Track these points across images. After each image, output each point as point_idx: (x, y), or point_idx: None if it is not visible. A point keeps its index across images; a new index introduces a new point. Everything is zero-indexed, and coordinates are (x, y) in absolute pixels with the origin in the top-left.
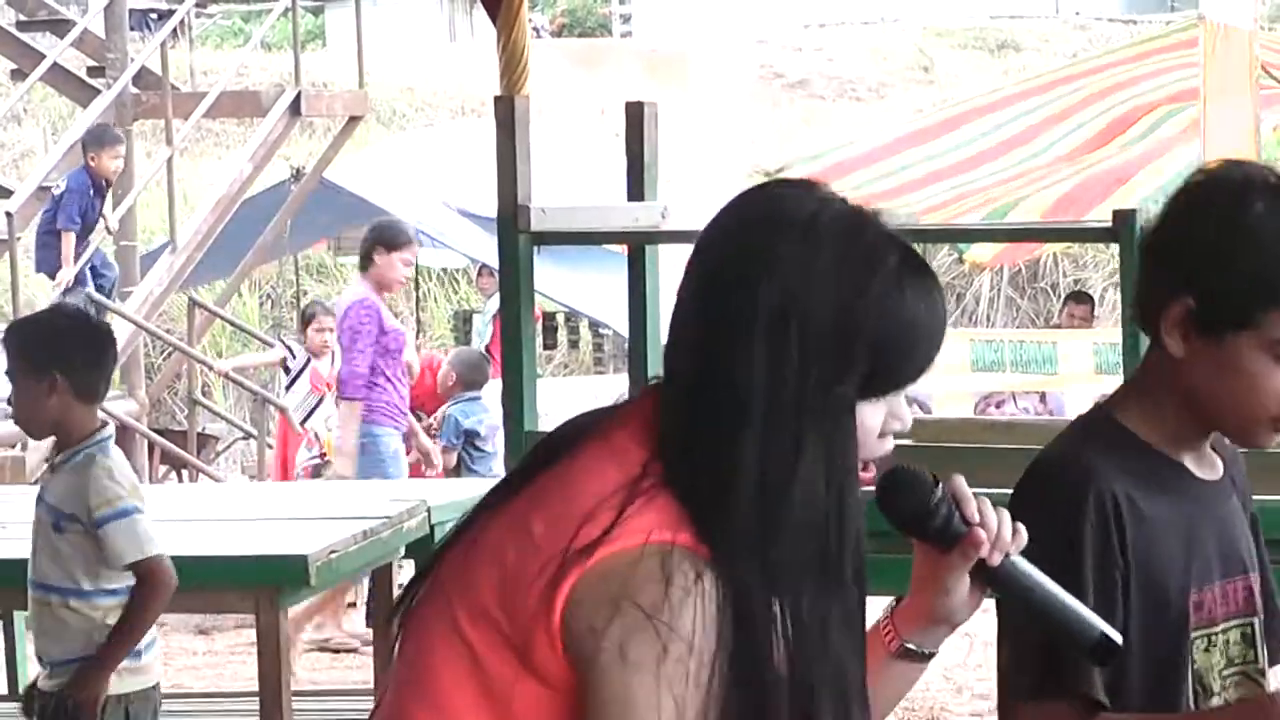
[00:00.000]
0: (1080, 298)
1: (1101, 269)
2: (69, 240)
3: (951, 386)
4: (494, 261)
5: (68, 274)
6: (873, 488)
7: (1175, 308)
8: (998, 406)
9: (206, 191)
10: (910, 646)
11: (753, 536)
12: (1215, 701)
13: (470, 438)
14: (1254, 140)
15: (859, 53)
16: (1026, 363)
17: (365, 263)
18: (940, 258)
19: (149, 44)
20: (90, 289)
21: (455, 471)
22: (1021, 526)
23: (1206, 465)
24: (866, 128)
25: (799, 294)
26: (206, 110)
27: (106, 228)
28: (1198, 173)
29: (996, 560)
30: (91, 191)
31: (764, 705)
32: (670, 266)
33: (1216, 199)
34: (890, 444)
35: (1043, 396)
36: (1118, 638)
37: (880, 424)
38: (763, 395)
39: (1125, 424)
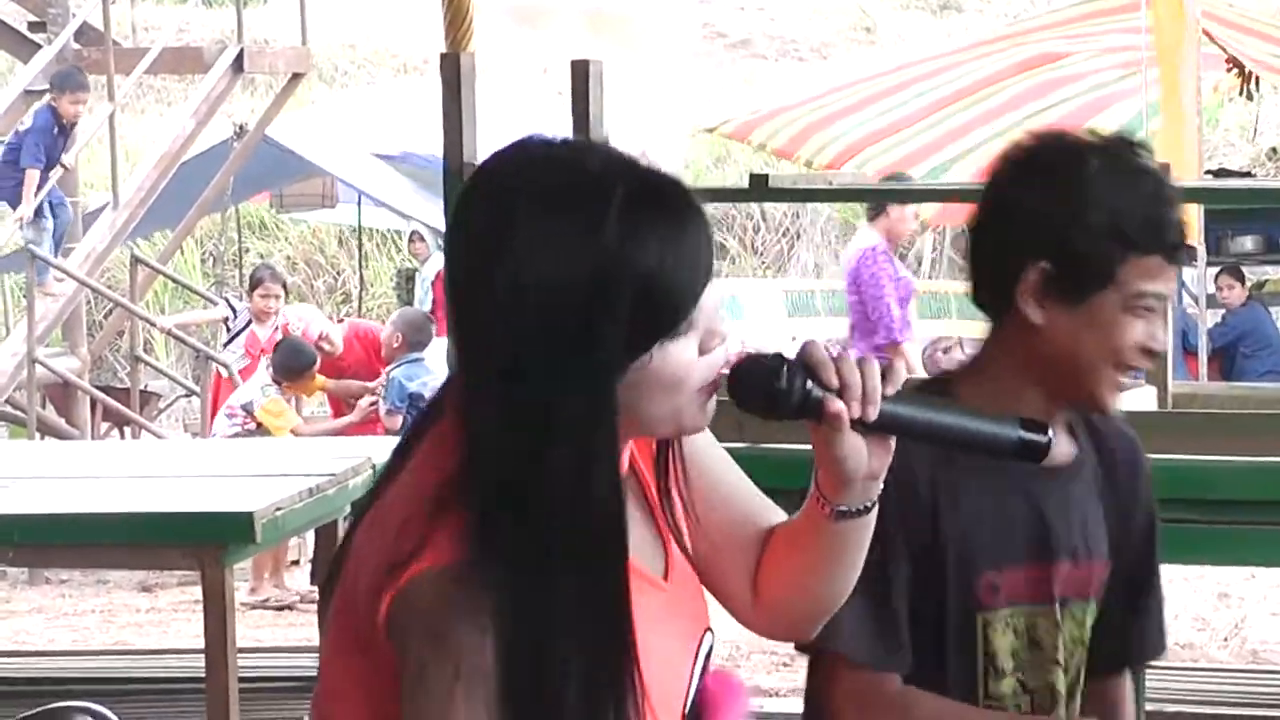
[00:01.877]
0: None
1: None
2: (32, 178)
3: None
4: (434, 221)
5: (27, 210)
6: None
7: (1031, 275)
8: (945, 352)
9: (149, 148)
10: (844, 509)
11: (515, 542)
12: (1006, 683)
13: (415, 401)
14: (1195, 99)
15: (801, 13)
16: (972, 311)
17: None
18: None
19: None
20: (49, 222)
21: (399, 434)
22: (899, 368)
23: (1095, 401)
24: (809, 88)
25: (526, 273)
26: (148, 66)
27: (63, 165)
28: (1017, 145)
29: (872, 415)
30: (55, 131)
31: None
32: None
33: (1056, 163)
34: (721, 355)
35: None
36: (1042, 436)
37: (697, 347)
38: (505, 389)
39: (959, 395)
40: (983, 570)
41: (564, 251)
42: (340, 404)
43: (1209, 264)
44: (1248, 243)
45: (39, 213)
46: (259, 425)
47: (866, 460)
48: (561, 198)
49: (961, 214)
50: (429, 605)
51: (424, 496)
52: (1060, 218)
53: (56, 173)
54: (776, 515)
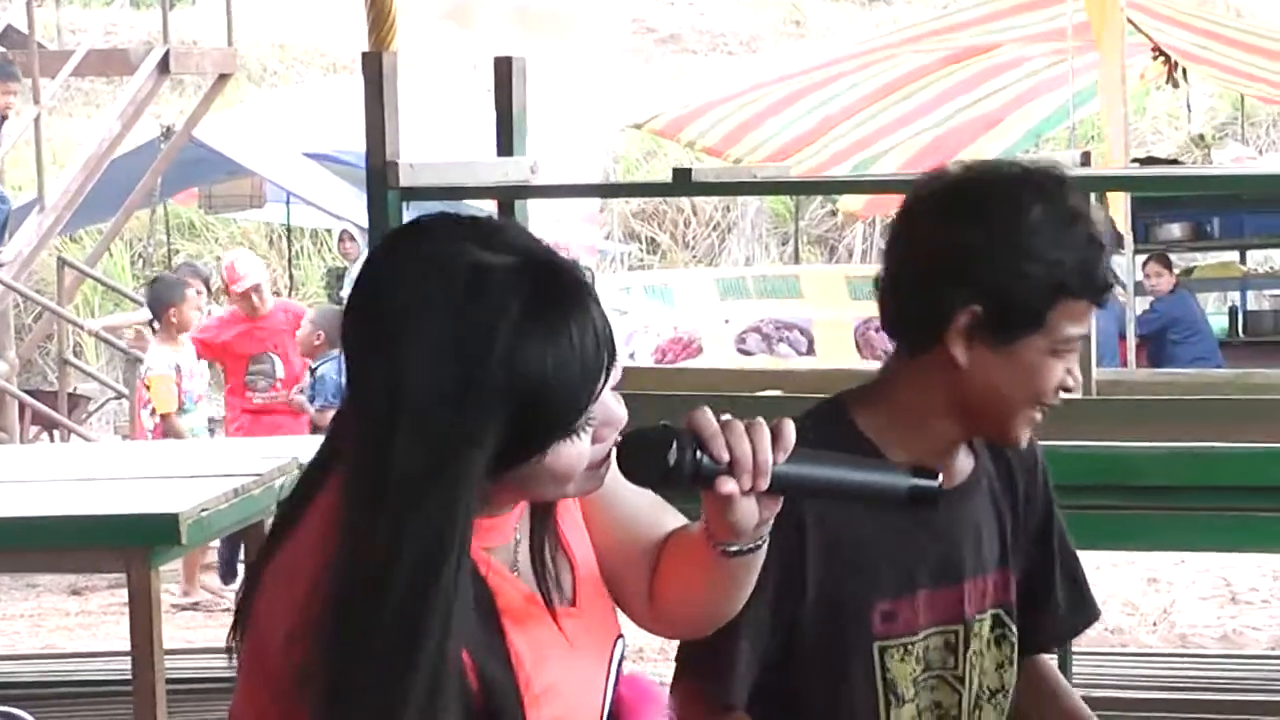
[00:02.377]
0: None
1: None
2: None
3: (832, 316)
4: (364, 220)
5: None
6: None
7: (961, 317)
8: (876, 330)
9: (75, 150)
10: (734, 549)
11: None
12: (907, 710)
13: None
14: (1121, 87)
15: (730, 6)
16: None
17: None
18: (814, 210)
19: (15, 1)
20: None
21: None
22: (787, 426)
23: (944, 470)
24: (739, 82)
25: (410, 376)
26: (74, 68)
27: None
28: (941, 178)
29: (763, 486)
30: None
31: None
32: (540, 221)
33: (992, 206)
34: (611, 442)
35: None
36: (933, 482)
37: (589, 441)
38: (370, 482)
39: (854, 419)
40: (877, 600)
41: (453, 363)
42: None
43: (1137, 251)
44: (1175, 230)
45: None
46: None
47: (757, 514)
48: (454, 309)
49: (889, 205)
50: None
51: (325, 559)
52: (999, 264)
53: None
54: (673, 520)
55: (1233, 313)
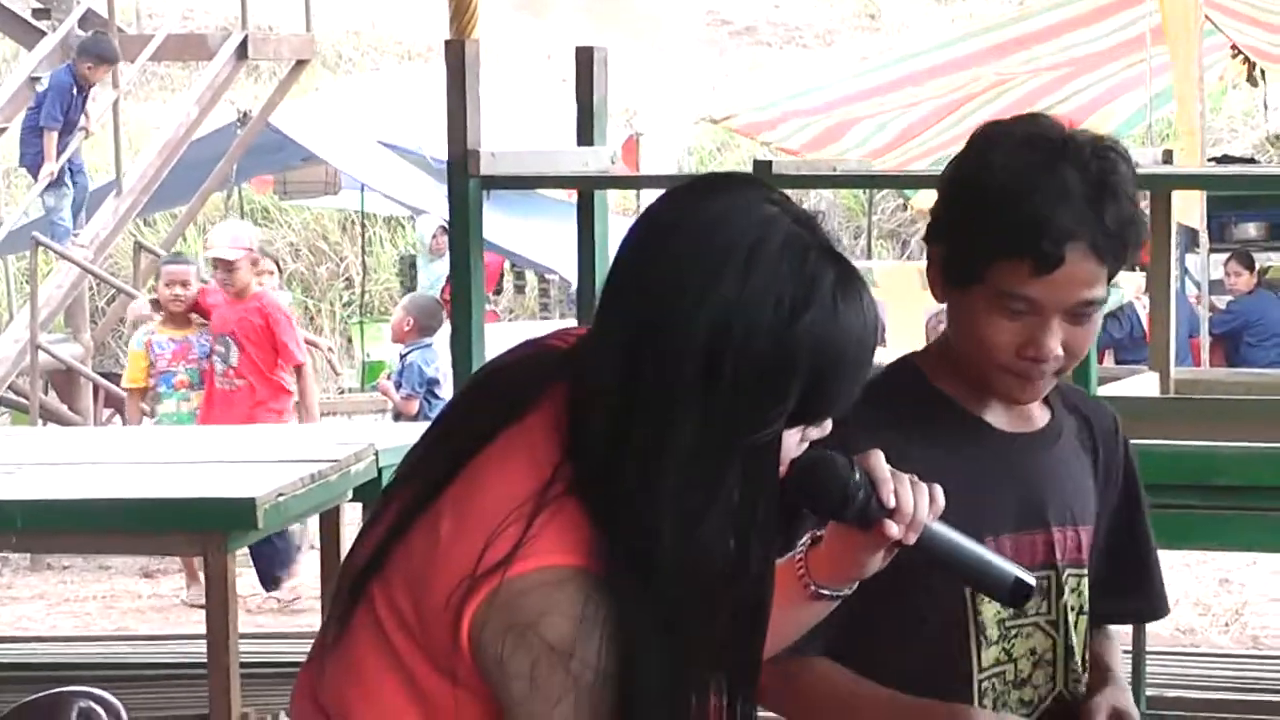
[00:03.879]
0: None
1: None
2: (51, 138)
3: (905, 310)
4: (436, 208)
5: (51, 167)
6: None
7: (933, 255)
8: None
9: (152, 135)
10: (824, 592)
11: (655, 570)
12: (991, 651)
13: (431, 386)
14: (1199, 86)
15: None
16: None
17: None
18: (886, 204)
19: None
20: (70, 189)
21: (414, 419)
22: (939, 494)
23: (1016, 416)
24: (815, 78)
25: (736, 328)
26: (153, 53)
27: (86, 129)
28: (982, 129)
29: (911, 540)
30: (74, 90)
31: None
32: (618, 216)
33: (968, 151)
34: (805, 447)
35: None
36: (1031, 580)
37: (799, 435)
38: (689, 430)
39: (923, 370)
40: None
41: (781, 308)
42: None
43: (1213, 250)
44: (1251, 229)
45: (59, 178)
46: None
47: (880, 564)
48: (788, 258)
49: None
50: (538, 607)
51: (516, 501)
52: (952, 209)
53: (78, 137)
54: None
55: None
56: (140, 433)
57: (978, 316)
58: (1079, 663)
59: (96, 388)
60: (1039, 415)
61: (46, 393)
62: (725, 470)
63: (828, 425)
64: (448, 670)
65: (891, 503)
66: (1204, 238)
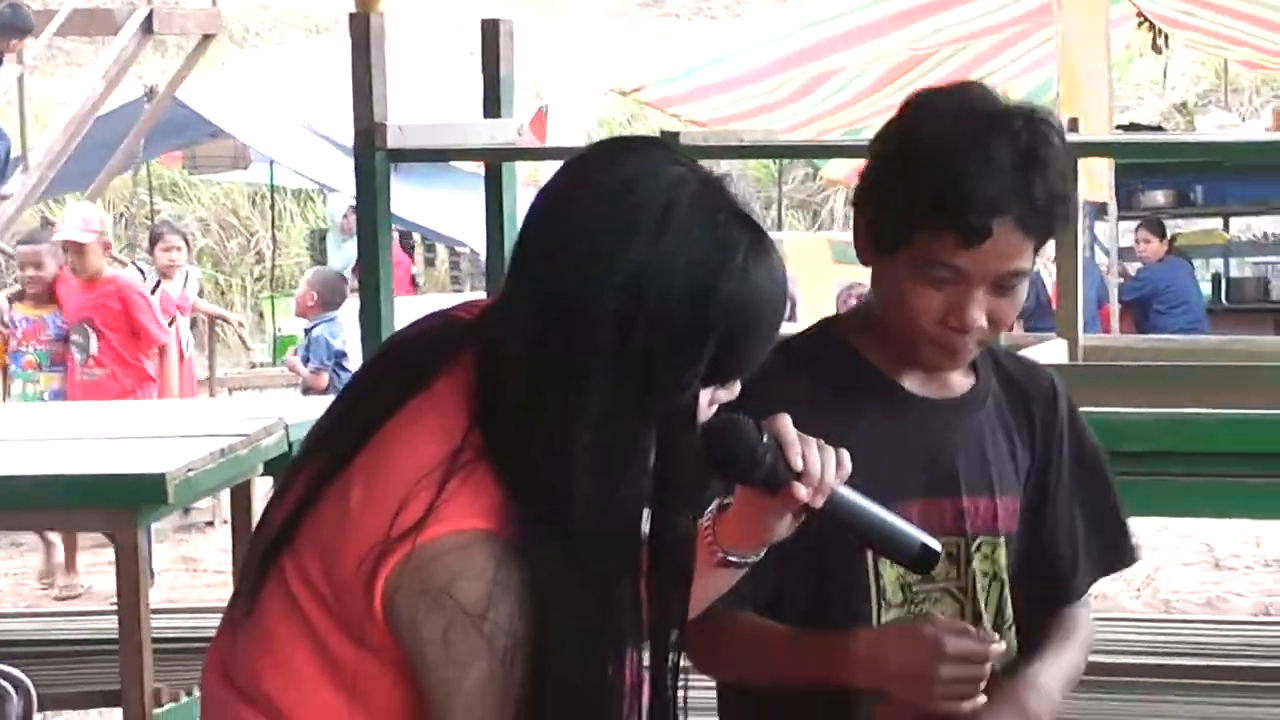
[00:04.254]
0: None
1: None
2: None
3: (816, 281)
4: (345, 182)
5: None
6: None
7: (860, 219)
8: (859, 297)
9: (58, 110)
10: (732, 559)
11: (570, 532)
12: (893, 614)
13: (339, 359)
14: (1106, 58)
15: None
16: None
17: None
18: (796, 175)
19: None
20: None
21: (323, 393)
22: (846, 459)
23: (936, 382)
24: (723, 47)
25: (649, 292)
26: (58, 28)
27: None
28: (916, 94)
29: (819, 504)
30: None
31: (565, 691)
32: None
33: (899, 118)
34: (713, 410)
35: None
36: (937, 546)
37: (709, 397)
38: (602, 392)
39: (842, 334)
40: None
41: (696, 271)
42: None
43: (1121, 218)
44: (1159, 196)
45: None
46: None
47: (788, 529)
48: (703, 219)
49: None
50: (451, 571)
51: (426, 466)
52: (881, 174)
53: None
54: None
55: (1216, 280)
56: (49, 409)
57: (902, 283)
58: (988, 630)
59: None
60: (960, 382)
61: None
62: (639, 434)
63: (736, 387)
64: (358, 638)
65: (799, 465)
66: (1112, 206)
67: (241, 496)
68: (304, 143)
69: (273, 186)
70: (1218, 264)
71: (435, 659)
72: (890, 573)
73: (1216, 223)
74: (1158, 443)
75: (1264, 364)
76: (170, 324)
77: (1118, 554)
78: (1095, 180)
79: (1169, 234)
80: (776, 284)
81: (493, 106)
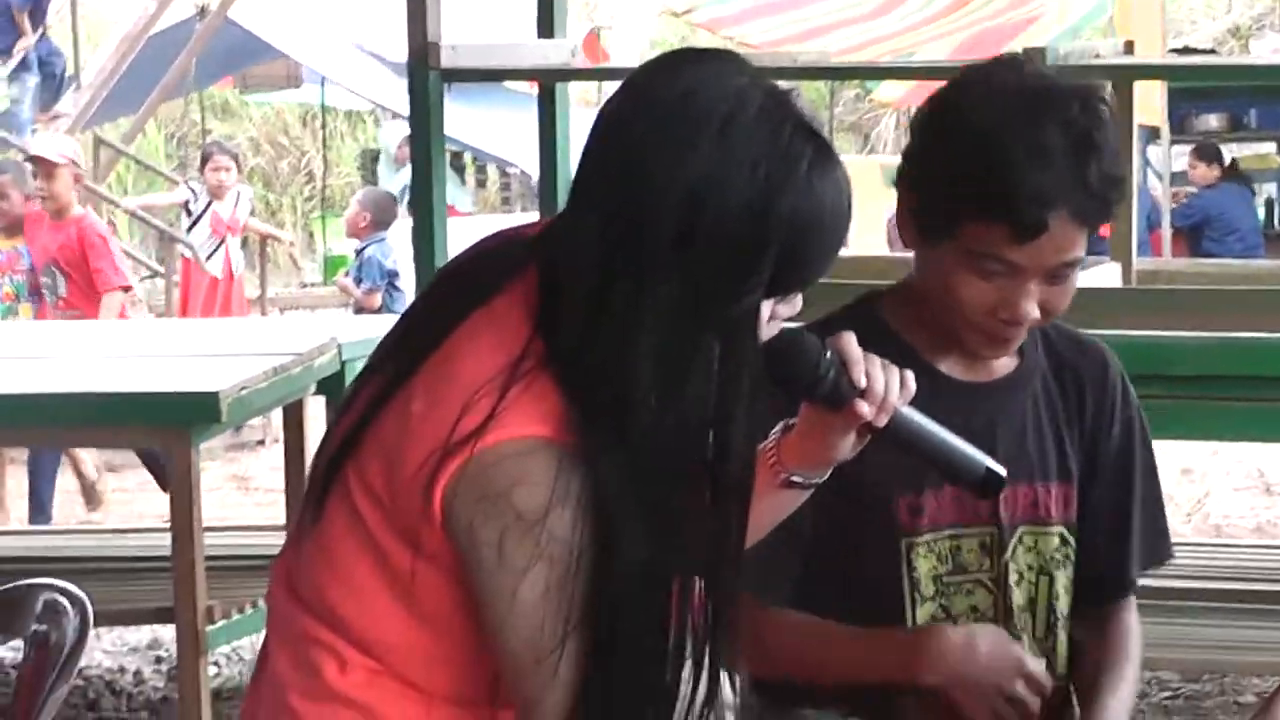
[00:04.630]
0: None
1: None
2: (23, 16)
3: (865, 207)
4: (398, 102)
5: (25, 43)
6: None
7: (904, 201)
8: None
9: (111, 29)
10: (796, 479)
11: (633, 441)
12: (926, 608)
13: (391, 278)
14: None
15: None
16: None
17: None
18: (847, 98)
19: None
20: (33, 79)
21: (376, 313)
22: (910, 379)
23: (977, 366)
24: None
25: (711, 199)
26: None
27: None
28: (963, 74)
29: (882, 422)
30: None
31: (628, 608)
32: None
33: (944, 100)
34: (778, 326)
35: None
36: (1002, 471)
37: (770, 311)
38: (664, 300)
39: (883, 316)
40: (901, 493)
41: (759, 180)
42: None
43: (1174, 143)
44: (1212, 120)
45: (24, 67)
46: None
47: (851, 448)
48: (768, 130)
49: (928, 94)
50: (510, 477)
51: (488, 375)
52: (926, 159)
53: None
54: None
55: (1269, 205)
56: (104, 327)
57: (948, 274)
58: (1020, 627)
59: None
60: (1003, 363)
61: None
62: (701, 342)
63: (798, 302)
64: (415, 545)
65: (863, 382)
66: (1165, 130)
67: (294, 415)
68: (356, 62)
69: (324, 107)
70: (1270, 189)
71: (491, 565)
72: (924, 564)
73: (1270, 147)
74: (1210, 367)
75: None
76: (220, 245)
77: (1163, 545)
78: (1149, 104)
79: (1226, 159)
80: (841, 198)
81: (546, 27)
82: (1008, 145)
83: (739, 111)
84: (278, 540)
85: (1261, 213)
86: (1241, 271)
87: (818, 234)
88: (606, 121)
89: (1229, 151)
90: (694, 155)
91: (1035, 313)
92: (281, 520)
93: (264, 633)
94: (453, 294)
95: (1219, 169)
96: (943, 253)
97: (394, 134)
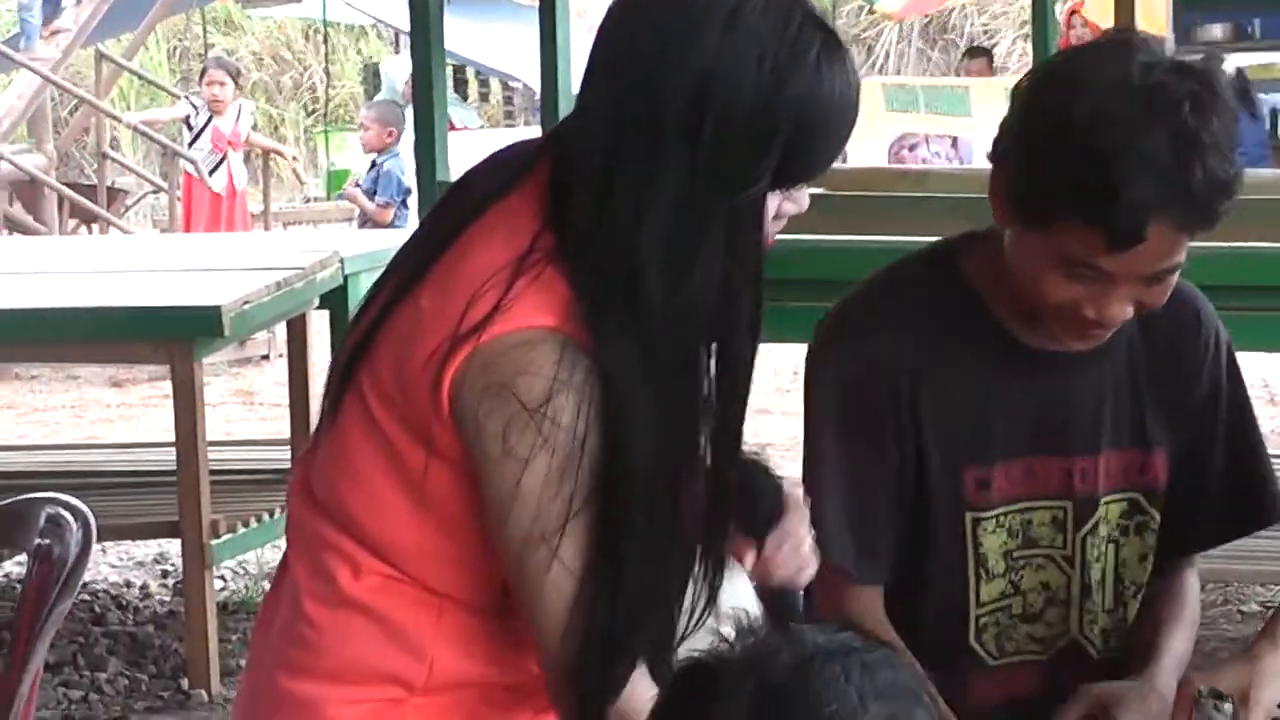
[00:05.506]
0: (976, 52)
1: (1012, 19)
2: None
3: (866, 130)
4: (400, 20)
5: None
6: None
7: (999, 175)
8: (910, 150)
9: None
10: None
11: (640, 329)
12: (995, 585)
13: (405, 195)
14: None
15: None
16: (940, 106)
17: None
18: (848, 9)
19: None
20: None
21: (388, 227)
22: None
23: (1049, 333)
24: None
25: (718, 87)
26: None
27: None
28: (1078, 52)
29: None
30: None
31: (634, 497)
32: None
33: (1051, 83)
34: (782, 224)
35: (954, 141)
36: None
37: (776, 207)
38: (672, 188)
39: (964, 270)
40: (969, 465)
41: (766, 68)
42: None
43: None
44: (1216, 30)
45: None
46: None
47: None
48: (778, 18)
49: (929, 4)
50: (514, 366)
51: (495, 268)
52: (1025, 135)
53: None
54: None
55: (1273, 115)
56: (106, 242)
57: (1037, 265)
58: (1098, 603)
59: (61, 198)
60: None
61: (11, 204)
62: (710, 224)
63: (804, 200)
64: (426, 442)
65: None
66: (1170, 40)
67: (297, 330)
68: None
69: (325, 21)
70: (1274, 99)
71: (496, 455)
72: (991, 540)
73: (1275, 57)
74: (1215, 277)
75: None
76: (222, 160)
77: (1260, 508)
78: (1153, 15)
79: (1230, 71)
80: (849, 89)
81: None
82: (1111, 150)
83: (747, 1)
84: (282, 455)
85: (1268, 123)
86: (1245, 180)
87: (824, 124)
88: (614, 14)
89: (1235, 61)
90: (702, 44)
91: (1126, 314)
92: (286, 435)
93: (271, 545)
94: (465, 196)
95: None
96: (1033, 242)
97: (398, 70)
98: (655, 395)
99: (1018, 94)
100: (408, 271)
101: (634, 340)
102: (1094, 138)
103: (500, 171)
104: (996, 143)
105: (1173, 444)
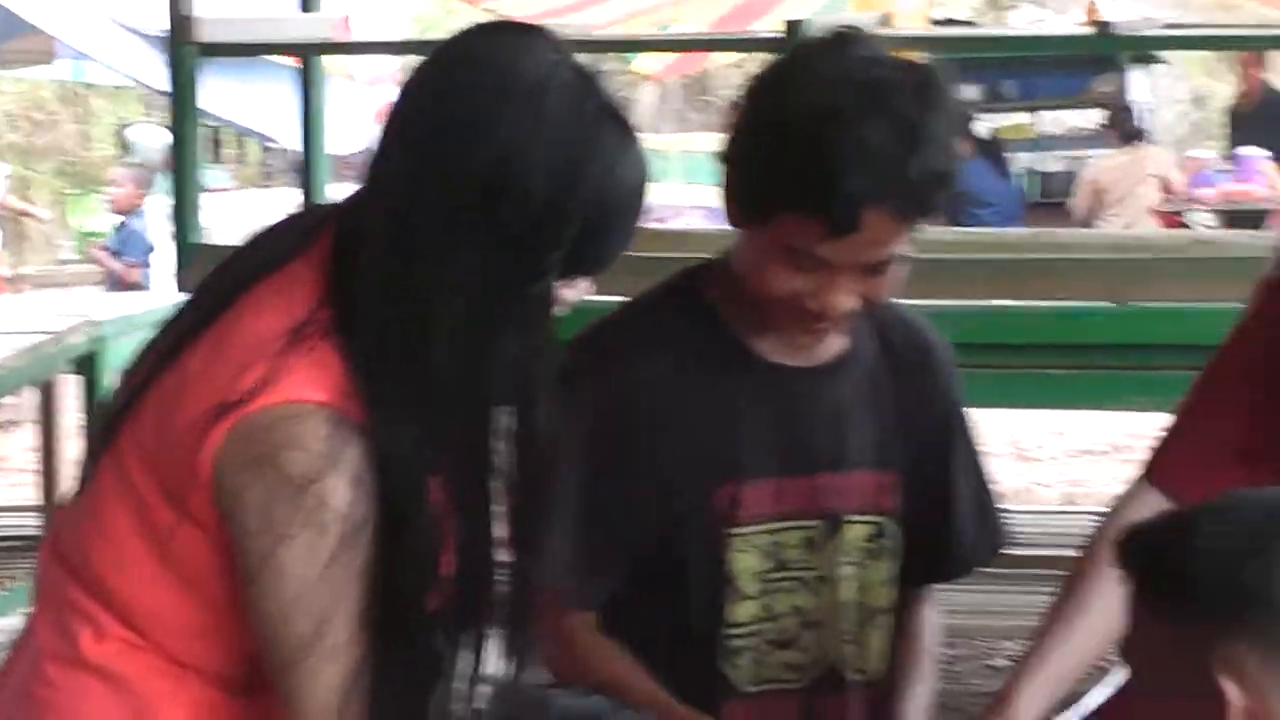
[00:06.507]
0: None
1: None
2: None
3: None
4: (159, 83)
5: None
6: None
7: (728, 176)
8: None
9: None
10: None
11: (424, 409)
12: (745, 607)
13: (149, 253)
14: None
15: None
16: (699, 176)
17: None
18: (606, 68)
19: None
20: None
21: (135, 288)
22: None
23: (799, 350)
24: None
25: (515, 172)
26: None
27: None
28: (790, 56)
29: None
30: None
31: (409, 580)
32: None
33: (772, 77)
34: (565, 310)
35: (710, 213)
36: None
37: (559, 296)
38: (466, 270)
39: (701, 289)
40: (719, 483)
41: (561, 153)
42: None
43: None
44: (971, 91)
45: None
46: None
47: None
48: (571, 104)
49: (689, 65)
50: (280, 440)
51: (268, 339)
52: (745, 134)
53: None
54: None
55: (1028, 175)
56: None
57: (761, 260)
58: (847, 628)
59: None
60: (829, 346)
61: None
62: (503, 307)
63: (584, 288)
64: (180, 502)
65: None
66: None
67: (48, 395)
68: (114, 37)
69: (78, 81)
70: (1026, 158)
71: (253, 527)
72: (742, 560)
73: (1025, 118)
74: (965, 335)
75: (1070, 256)
76: None
77: (998, 534)
78: None
79: (984, 132)
80: (638, 182)
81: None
82: (828, 140)
83: (548, 86)
84: (31, 521)
85: (1025, 183)
86: (997, 240)
87: (613, 215)
88: (414, 86)
89: (987, 122)
90: (502, 121)
91: (848, 305)
92: (35, 501)
93: (18, 613)
94: (247, 260)
95: (970, 143)
96: (757, 236)
97: (145, 134)
98: (431, 480)
99: (743, 96)
100: (180, 332)
101: (416, 420)
102: (814, 129)
103: (286, 237)
104: (726, 144)
105: (910, 467)
